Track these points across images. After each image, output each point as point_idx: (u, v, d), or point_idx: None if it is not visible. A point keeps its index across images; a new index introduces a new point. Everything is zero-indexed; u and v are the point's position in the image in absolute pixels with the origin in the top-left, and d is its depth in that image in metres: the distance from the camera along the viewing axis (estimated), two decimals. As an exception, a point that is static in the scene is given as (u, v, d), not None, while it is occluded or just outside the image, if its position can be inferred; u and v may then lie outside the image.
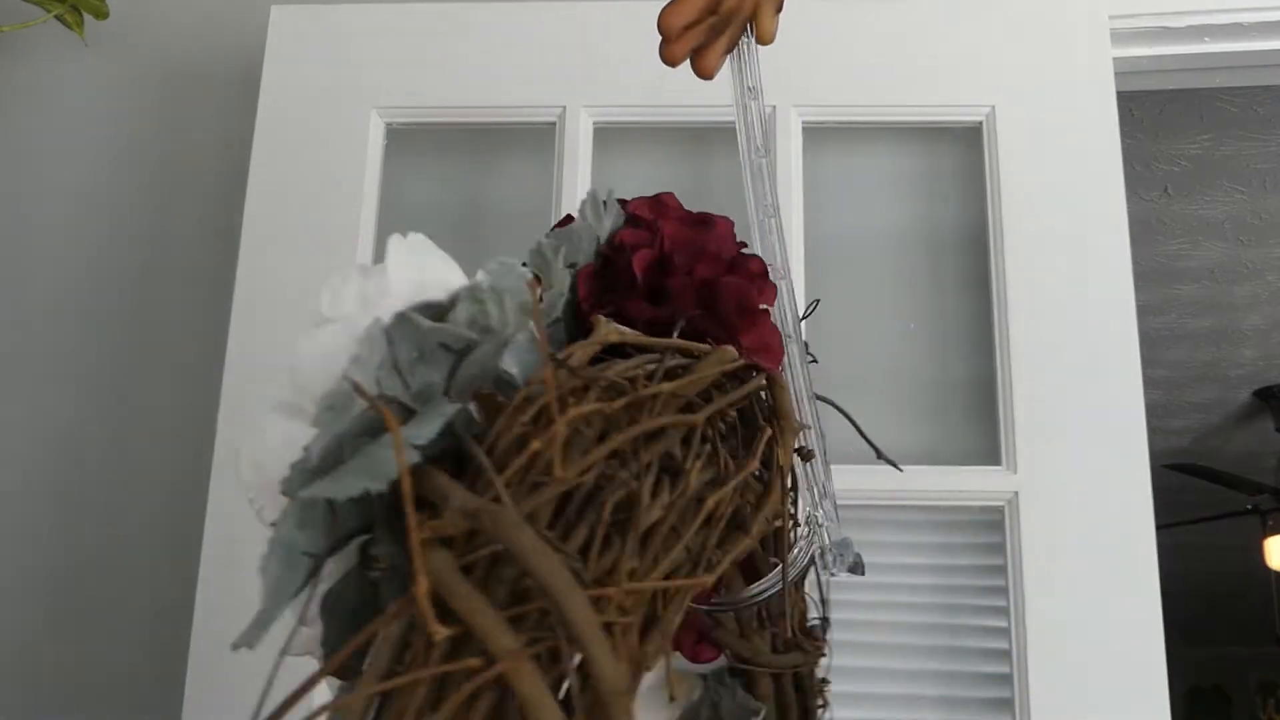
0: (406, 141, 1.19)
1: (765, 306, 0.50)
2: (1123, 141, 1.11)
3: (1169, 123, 2.20)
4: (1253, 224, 2.56)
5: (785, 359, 0.50)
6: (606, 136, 1.17)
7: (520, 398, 0.36)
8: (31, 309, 1.25)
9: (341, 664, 0.33)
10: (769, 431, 0.45)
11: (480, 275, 0.40)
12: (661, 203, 0.53)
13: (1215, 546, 4.48)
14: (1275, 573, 4.04)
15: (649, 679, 0.49)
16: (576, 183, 1.12)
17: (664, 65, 0.57)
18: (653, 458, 0.38)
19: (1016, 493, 1.03)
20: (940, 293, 1.17)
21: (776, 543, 0.46)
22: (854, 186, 1.21)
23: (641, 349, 0.43)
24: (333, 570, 0.36)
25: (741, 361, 0.44)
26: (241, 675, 0.51)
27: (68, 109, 1.31)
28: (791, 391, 0.49)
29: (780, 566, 0.47)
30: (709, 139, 1.21)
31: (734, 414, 0.46)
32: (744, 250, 0.54)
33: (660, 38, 0.57)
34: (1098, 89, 1.12)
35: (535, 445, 0.34)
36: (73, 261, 1.26)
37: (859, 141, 1.22)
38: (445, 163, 1.25)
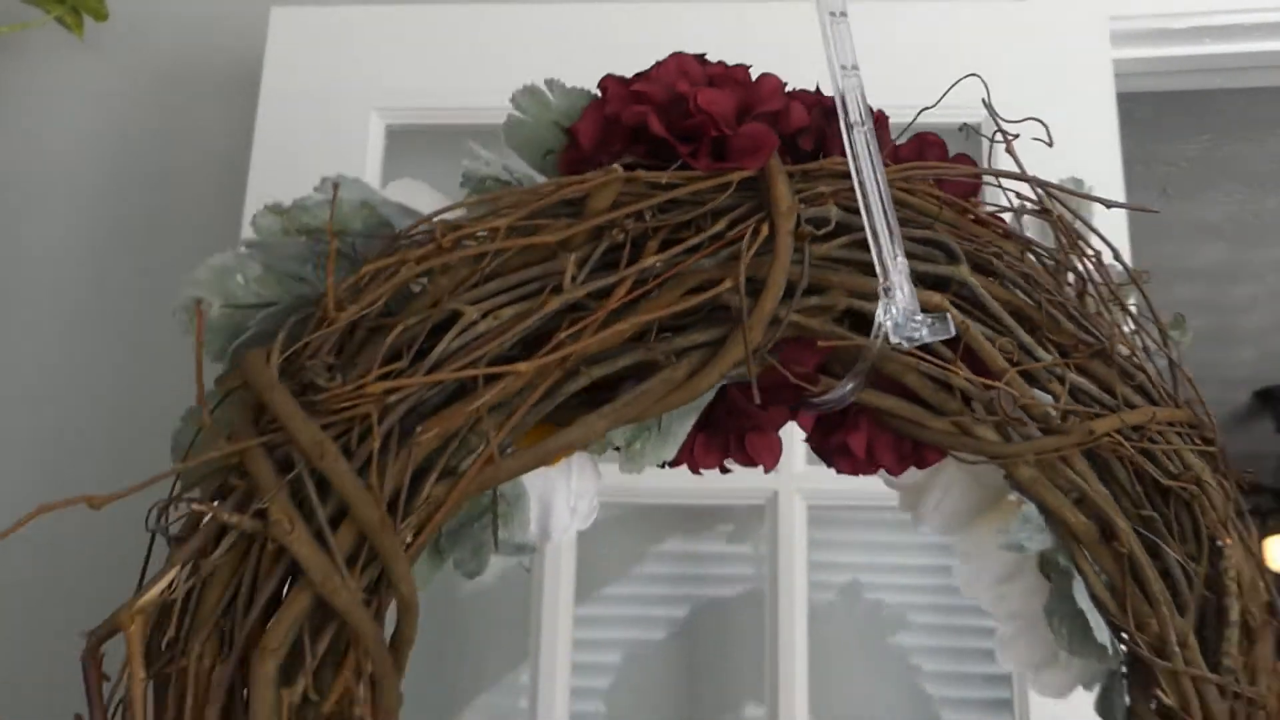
0: (406, 142, 1.19)
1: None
2: (1123, 141, 1.11)
3: (1168, 124, 2.20)
4: (1252, 224, 2.56)
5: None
6: (606, 137, 1.17)
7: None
8: (30, 309, 1.25)
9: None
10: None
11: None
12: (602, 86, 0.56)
13: (1215, 547, 4.46)
14: (1276, 573, 4.04)
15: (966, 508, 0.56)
16: (577, 183, 1.12)
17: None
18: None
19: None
20: (940, 293, 1.16)
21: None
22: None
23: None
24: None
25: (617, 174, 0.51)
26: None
27: (67, 110, 1.31)
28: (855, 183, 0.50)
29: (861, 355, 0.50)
30: (709, 139, 1.21)
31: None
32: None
33: None
34: (1098, 89, 1.12)
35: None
36: (72, 262, 1.26)
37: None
38: (445, 163, 1.25)
